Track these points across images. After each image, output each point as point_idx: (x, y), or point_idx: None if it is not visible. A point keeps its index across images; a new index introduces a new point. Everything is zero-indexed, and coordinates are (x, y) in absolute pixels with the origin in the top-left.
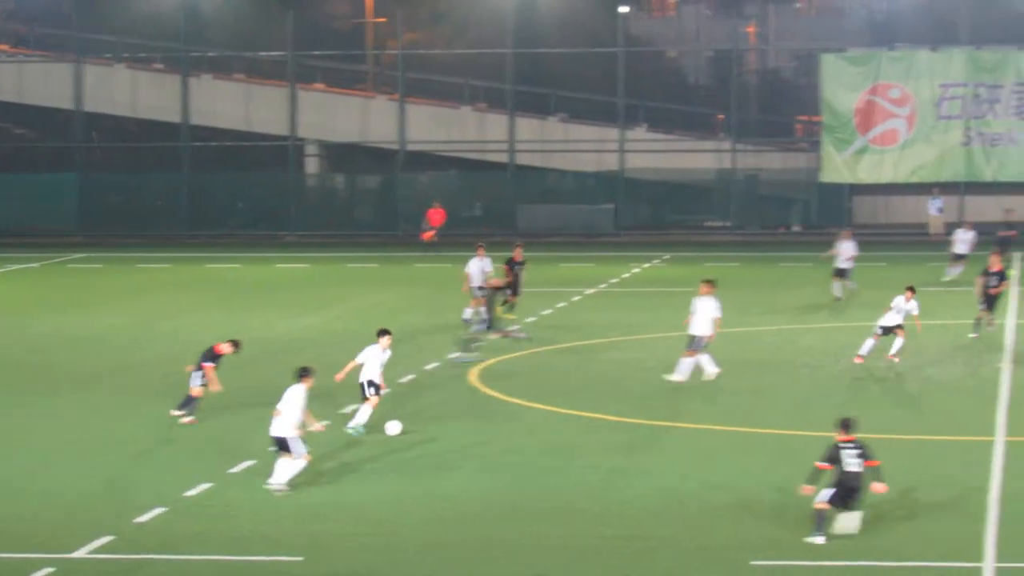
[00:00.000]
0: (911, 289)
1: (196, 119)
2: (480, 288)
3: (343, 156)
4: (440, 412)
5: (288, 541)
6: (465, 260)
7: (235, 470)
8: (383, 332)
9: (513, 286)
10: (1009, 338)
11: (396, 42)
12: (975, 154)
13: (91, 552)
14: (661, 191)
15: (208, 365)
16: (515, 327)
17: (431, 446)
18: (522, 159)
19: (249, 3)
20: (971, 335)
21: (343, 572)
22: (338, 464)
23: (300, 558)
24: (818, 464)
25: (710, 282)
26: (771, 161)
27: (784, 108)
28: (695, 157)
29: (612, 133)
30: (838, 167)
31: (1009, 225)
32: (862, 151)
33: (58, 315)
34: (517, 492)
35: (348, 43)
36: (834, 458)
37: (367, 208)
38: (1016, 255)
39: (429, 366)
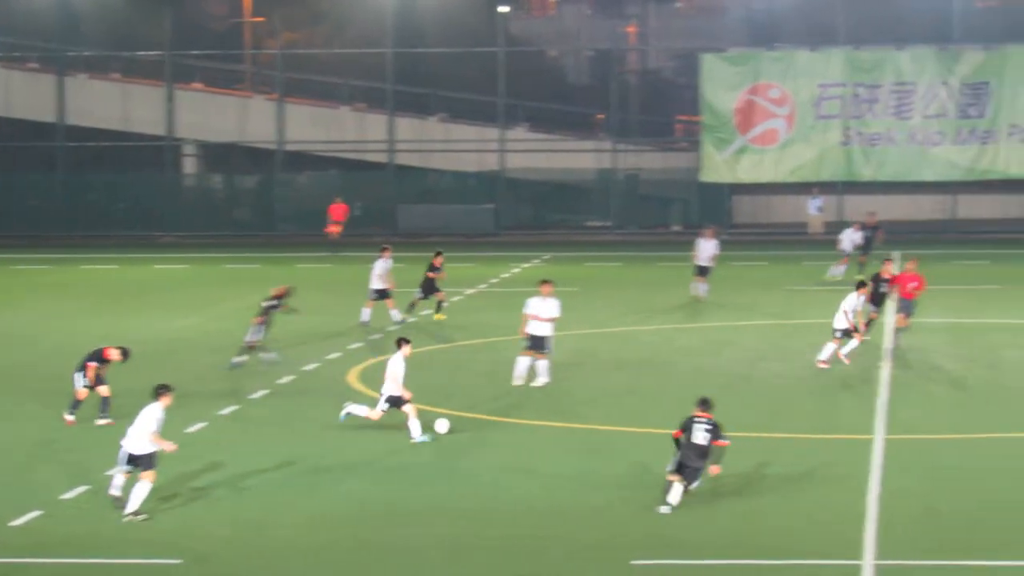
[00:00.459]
0: (862, 285)
1: (72, 119)
2: (384, 290)
3: (221, 156)
4: (318, 414)
5: (166, 544)
6: (350, 261)
7: (112, 472)
8: (403, 341)
9: (427, 288)
10: (888, 338)
11: (275, 42)
12: (854, 154)
13: None
14: (542, 191)
15: (92, 364)
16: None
17: (309, 448)
18: (402, 159)
19: (126, 2)
20: (864, 337)
21: (221, 575)
22: (216, 468)
23: (178, 561)
24: (674, 433)
25: (549, 282)
26: (651, 161)
27: (664, 108)
28: (576, 157)
29: (492, 133)
30: (718, 167)
31: (872, 227)
32: (742, 151)
33: None
34: (396, 494)
35: (226, 43)
36: (686, 428)
37: (245, 208)
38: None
39: (308, 367)
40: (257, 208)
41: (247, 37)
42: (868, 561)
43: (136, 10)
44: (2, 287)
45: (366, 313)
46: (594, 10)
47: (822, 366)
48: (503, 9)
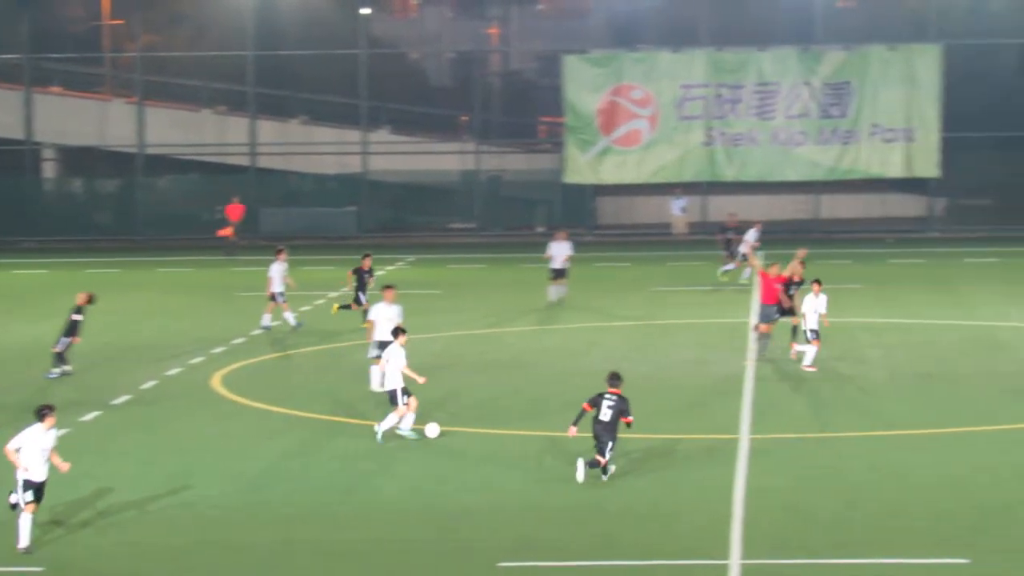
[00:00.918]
0: (817, 282)
1: None
2: (280, 293)
3: (81, 160)
4: (182, 417)
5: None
6: (213, 265)
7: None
8: (399, 330)
9: (358, 291)
10: (752, 336)
11: (134, 44)
12: (717, 154)
13: None
14: (404, 193)
15: None
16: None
17: (173, 451)
18: (264, 162)
19: None
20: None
21: None
22: (80, 472)
23: (41, 568)
24: (584, 405)
25: (391, 287)
26: (515, 162)
27: (527, 109)
28: (438, 159)
29: (355, 135)
30: (581, 168)
31: (734, 228)
32: (605, 152)
33: None
34: (262, 496)
35: (85, 46)
36: (595, 403)
37: (106, 213)
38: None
39: (171, 372)
40: (118, 212)
41: (106, 40)
42: (735, 560)
43: None
44: None
45: (266, 318)
46: (456, 12)
47: (811, 370)
48: (365, 11)
